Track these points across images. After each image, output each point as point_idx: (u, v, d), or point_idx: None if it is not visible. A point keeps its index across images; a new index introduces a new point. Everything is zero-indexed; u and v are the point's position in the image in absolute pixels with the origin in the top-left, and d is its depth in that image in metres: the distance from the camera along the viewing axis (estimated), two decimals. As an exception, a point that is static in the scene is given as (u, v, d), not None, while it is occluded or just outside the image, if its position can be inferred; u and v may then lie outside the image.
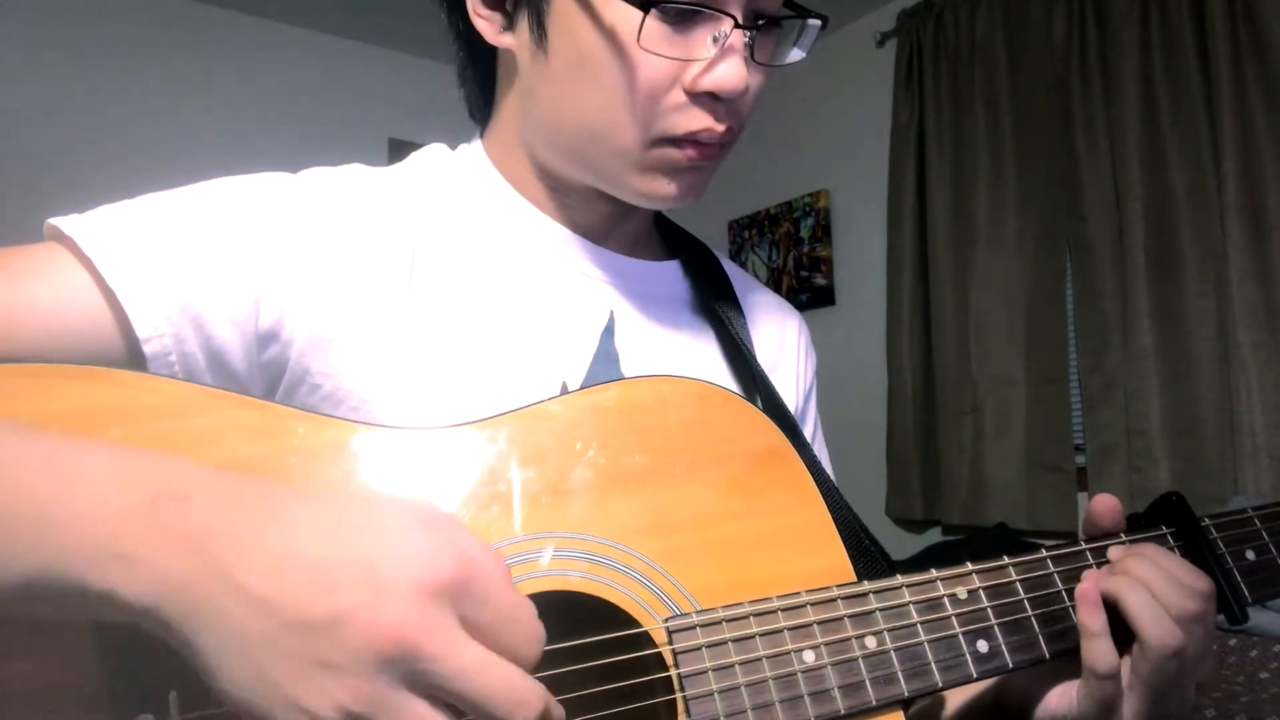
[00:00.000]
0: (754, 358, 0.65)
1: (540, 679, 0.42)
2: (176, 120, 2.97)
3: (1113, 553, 0.53)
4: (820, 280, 3.37)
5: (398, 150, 3.39)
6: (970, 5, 2.85)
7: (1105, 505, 0.55)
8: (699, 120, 0.54)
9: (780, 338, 0.72)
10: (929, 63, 2.95)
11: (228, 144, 2.99)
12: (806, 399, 0.73)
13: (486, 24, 0.57)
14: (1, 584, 0.33)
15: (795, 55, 0.58)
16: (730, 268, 0.73)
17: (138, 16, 2.95)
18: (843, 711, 0.45)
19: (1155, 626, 0.48)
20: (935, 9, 2.95)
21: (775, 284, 3.53)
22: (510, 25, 0.57)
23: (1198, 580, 0.50)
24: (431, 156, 0.64)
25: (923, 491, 2.94)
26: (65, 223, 0.48)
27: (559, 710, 0.36)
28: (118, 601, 0.33)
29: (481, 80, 0.65)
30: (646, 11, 0.49)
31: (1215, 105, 2.27)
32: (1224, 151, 2.24)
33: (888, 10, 3.15)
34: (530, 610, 0.36)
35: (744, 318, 0.68)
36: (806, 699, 0.45)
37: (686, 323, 0.66)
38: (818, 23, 0.57)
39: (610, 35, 0.51)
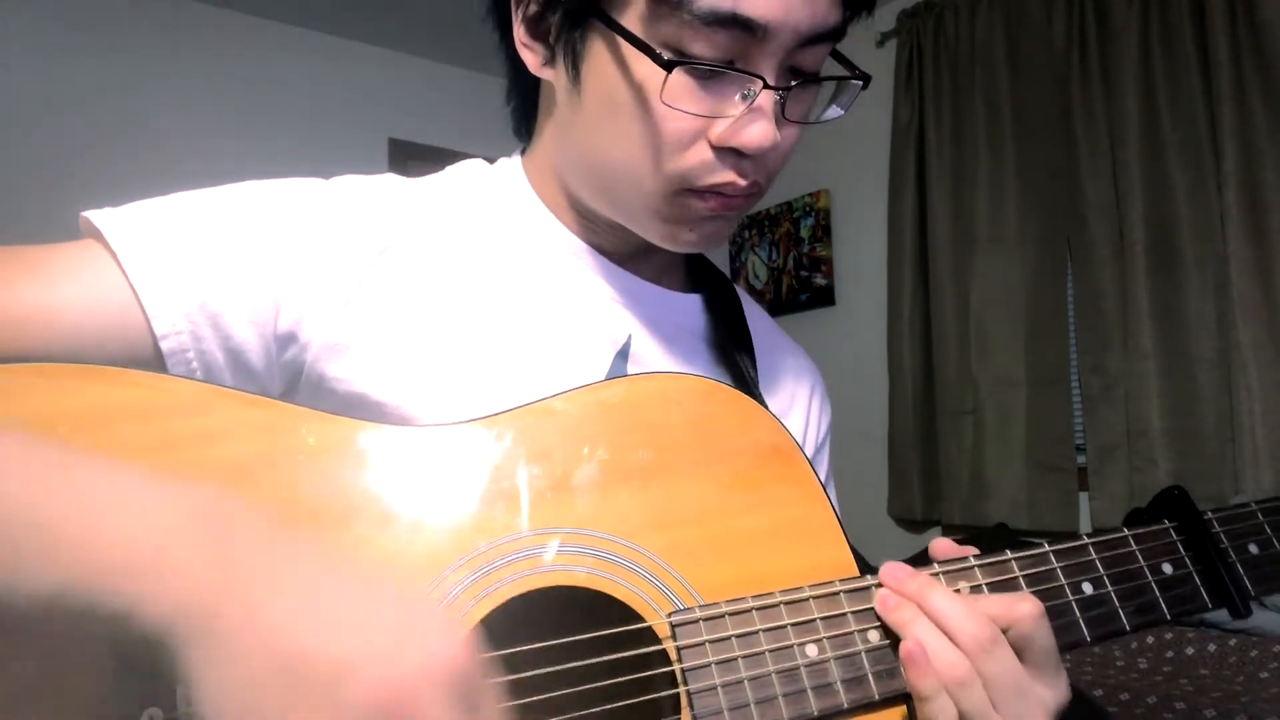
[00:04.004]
0: (763, 402, 0.64)
1: (545, 674, 0.43)
2: (176, 120, 2.97)
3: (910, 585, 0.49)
4: (820, 280, 3.37)
5: (398, 150, 3.39)
6: (970, 5, 2.85)
7: (943, 548, 0.53)
8: (723, 175, 0.53)
9: (793, 388, 0.71)
10: (929, 63, 2.95)
11: (228, 144, 2.99)
12: (818, 450, 0.72)
13: (530, 54, 0.57)
14: (28, 593, 0.33)
15: (834, 113, 0.56)
16: (751, 309, 0.72)
17: (138, 16, 2.95)
18: (845, 705, 0.46)
19: (939, 658, 0.45)
20: (935, 9, 2.95)
21: (775, 284, 3.54)
22: (551, 60, 0.56)
23: (1000, 606, 0.47)
24: (468, 170, 0.65)
25: (923, 491, 2.94)
26: (98, 216, 0.49)
27: None
28: (134, 618, 0.33)
29: (524, 103, 0.65)
30: (669, 71, 0.49)
31: (1215, 105, 2.27)
32: (1224, 151, 2.24)
33: (888, 10, 3.15)
34: None
35: (756, 363, 0.67)
36: (810, 693, 0.45)
37: (701, 357, 0.65)
38: (858, 84, 0.55)
39: (638, 88, 0.51)
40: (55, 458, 0.36)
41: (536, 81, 0.61)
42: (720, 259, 3.73)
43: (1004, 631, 0.46)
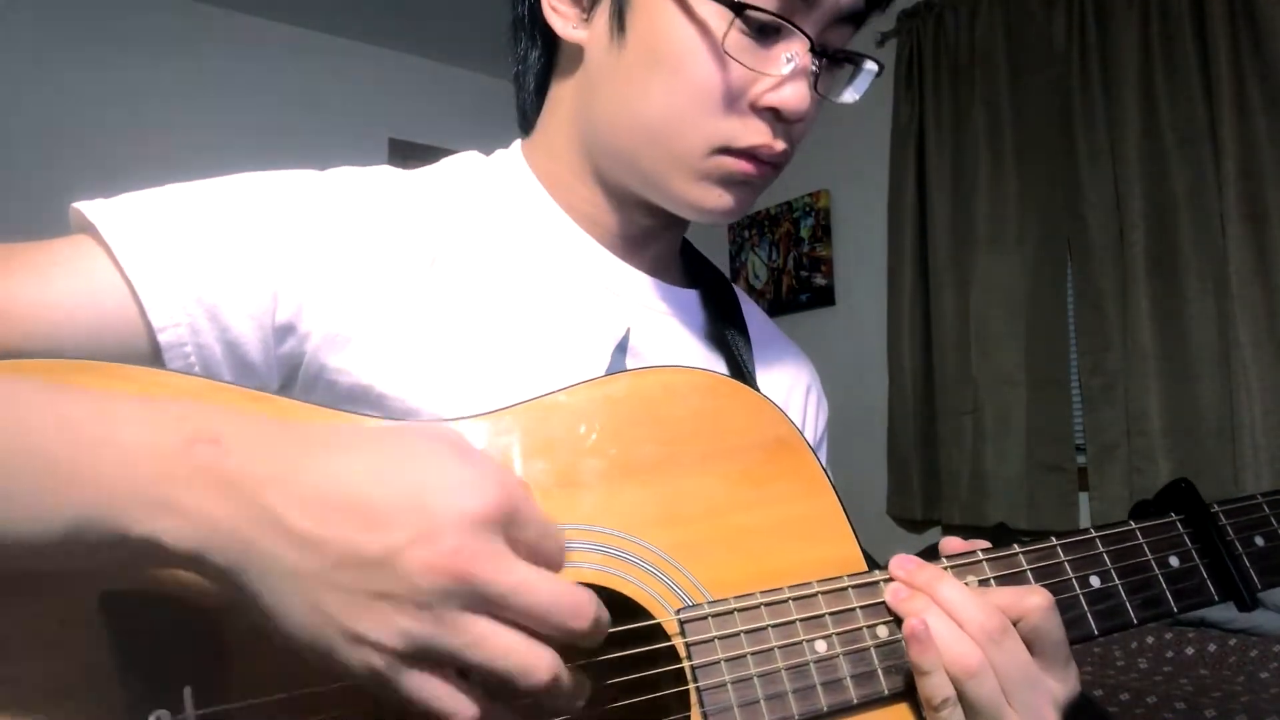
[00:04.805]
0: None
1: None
2: (176, 120, 2.96)
3: (921, 577, 0.49)
4: (820, 280, 3.37)
5: (398, 150, 3.39)
6: (970, 5, 2.85)
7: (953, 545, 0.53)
8: (759, 134, 0.55)
9: (789, 385, 0.71)
10: (929, 63, 2.95)
11: (228, 144, 2.98)
12: (815, 447, 0.71)
13: (560, 18, 0.58)
14: (42, 532, 0.33)
15: (849, 96, 0.60)
16: (748, 306, 0.73)
17: (138, 16, 2.95)
18: (855, 701, 0.46)
19: (952, 648, 0.45)
20: (935, 9, 2.95)
21: (775, 284, 3.54)
22: (586, 19, 0.58)
23: (1010, 598, 0.47)
24: (464, 161, 0.65)
25: (923, 491, 2.94)
26: (90, 209, 0.48)
27: (605, 613, 0.37)
28: (161, 549, 0.33)
29: (540, 80, 0.65)
30: (738, 14, 0.51)
31: (1215, 105, 2.27)
32: (1224, 151, 2.24)
33: (888, 10, 3.14)
34: (557, 526, 0.38)
35: (754, 358, 0.68)
36: (819, 689, 0.45)
37: (699, 351, 0.65)
38: (874, 68, 0.59)
39: (696, 34, 0.53)
40: (37, 393, 0.36)
41: (552, 55, 0.62)
42: (720, 259, 3.73)
43: (1014, 623, 0.46)
